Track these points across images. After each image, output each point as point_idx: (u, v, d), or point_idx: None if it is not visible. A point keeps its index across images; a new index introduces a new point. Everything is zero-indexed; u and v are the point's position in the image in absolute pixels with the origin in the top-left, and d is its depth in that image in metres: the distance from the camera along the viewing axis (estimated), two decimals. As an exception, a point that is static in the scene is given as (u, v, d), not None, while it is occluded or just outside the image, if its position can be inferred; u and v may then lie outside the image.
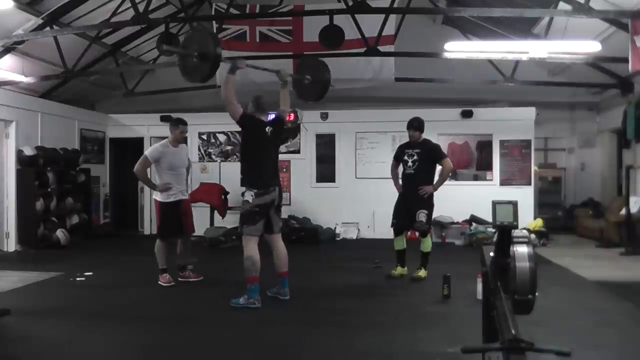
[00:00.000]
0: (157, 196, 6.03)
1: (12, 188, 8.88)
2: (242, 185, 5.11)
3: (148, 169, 6.20)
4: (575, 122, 11.70)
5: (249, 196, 4.99)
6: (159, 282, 5.98)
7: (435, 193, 6.21)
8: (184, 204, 6.15)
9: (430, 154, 6.22)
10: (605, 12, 7.09)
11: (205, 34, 4.97)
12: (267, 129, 5.26)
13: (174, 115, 10.90)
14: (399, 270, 6.28)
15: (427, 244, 6.21)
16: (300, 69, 5.64)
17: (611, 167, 11.09)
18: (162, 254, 6.00)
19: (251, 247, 4.98)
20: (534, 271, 1.92)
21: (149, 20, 7.75)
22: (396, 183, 6.45)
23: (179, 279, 6.13)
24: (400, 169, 6.40)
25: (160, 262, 6.01)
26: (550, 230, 9.69)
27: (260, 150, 5.14)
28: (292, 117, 10.77)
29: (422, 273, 6.15)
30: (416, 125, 6.22)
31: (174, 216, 5.99)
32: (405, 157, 6.25)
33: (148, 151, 6.09)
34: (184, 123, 6.13)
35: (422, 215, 6.09)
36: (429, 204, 6.16)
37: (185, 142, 6.38)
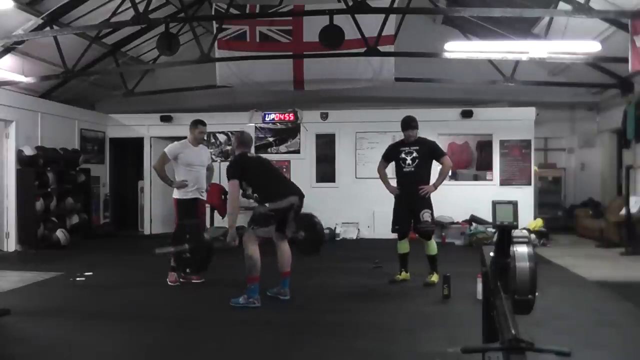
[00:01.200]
0: (175, 194, 6.07)
1: (12, 188, 8.88)
2: (257, 202, 5.16)
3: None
4: (575, 122, 11.71)
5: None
6: (167, 280, 5.98)
7: (436, 192, 6.04)
8: (201, 204, 6.18)
9: (430, 152, 6.05)
10: (605, 12, 7.09)
11: (193, 228, 5.30)
12: (250, 155, 5.44)
13: (174, 115, 11.03)
14: (404, 275, 6.12)
15: (432, 247, 6.01)
16: (294, 225, 5.83)
17: (611, 167, 11.08)
18: None
19: (253, 248, 4.99)
20: (534, 271, 1.92)
21: (149, 20, 7.75)
22: (388, 184, 6.20)
23: (181, 280, 6.12)
24: (389, 168, 6.20)
25: (172, 260, 5.96)
26: (550, 230, 9.69)
27: (265, 175, 5.25)
28: (292, 117, 10.80)
29: (435, 278, 5.91)
30: (414, 124, 6.05)
31: (190, 213, 5.99)
32: (403, 155, 6.05)
33: (167, 148, 6.15)
34: (203, 123, 6.19)
35: (426, 215, 5.91)
36: (430, 203, 5.99)
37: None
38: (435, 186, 5.98)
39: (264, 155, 10.54)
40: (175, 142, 6.20)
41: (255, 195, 5.15)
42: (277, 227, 5.15)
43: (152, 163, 6.16)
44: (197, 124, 6.15)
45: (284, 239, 5.28)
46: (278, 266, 5.23)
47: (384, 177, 6.26)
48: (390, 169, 6.27)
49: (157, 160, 6.27)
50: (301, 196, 5.19)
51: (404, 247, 6.12)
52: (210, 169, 6.41)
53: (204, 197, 6.27)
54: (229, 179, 5.05)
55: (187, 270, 5.56)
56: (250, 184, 5.14)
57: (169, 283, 5.96)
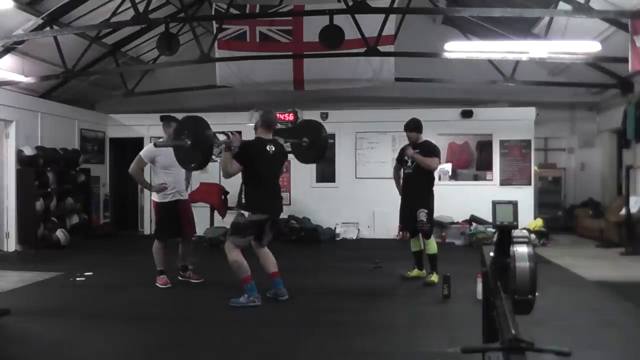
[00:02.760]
0: (154, 197, 5.98)
1: (12, 188, 8.87)
2: (239, 207, 5.10)
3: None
4: (575, 122, 11.70)
5: (246, 212, 5.04)
6: (156, 284, 5.90)
7: (435, 192, 6.19)
8: (183, 205, 6.03)
9: (426, 154, 6.12)
10: (605, 12, 7.09)
11: (197, 121, 4.95)
12: (268, 148, 5.12)
13: (175, 115, 10.99)
14: (415, 272, 6.19)
15: (431, 246, 6.07)
16: (298, 132, 5.75)
17: (611, 167, 11.08)
18: (160, 255, 5.92)
19: (234, 253, 5.00)
20: (534, 271, 1.92)
21: (149, 20, 7.75)
22: (397, 185, 6.41)
23: (179, 278, 6.11)
24: (402, 170, 6.36)
25: (157, 263, 5.93)
26: (550, 230, 9.69)
27: (262, 173, 5.08)
28: (292, 117, 10.79)
29: (435, 278, 5.94)
30: (412, 126, 6.20)
31: (171, 217, 5.90)
32: (405, 158, 6.22)
33: (143, 151, 5.99)
34: (177, 120, 5.87)
35: (422, 214, 6.00)
36: (428, 203, 6.08)
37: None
38: (416, 157, 6.03)
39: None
40: (151, 144, 5.97)
41: (242, 196, 5.11)
42: (255, 237, 5.13)
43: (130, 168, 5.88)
44: (170, 121, 5.90)
45: (262, 247, 5.23)
46: (265, 270, 5.21)
47: (395, 179, 6.45)
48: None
49: (133, 163, 5.92)
50: (280, 212, 5.30)
51: (414, 245, 6.27)
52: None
53: (185, 196, 6.10)
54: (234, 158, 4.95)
55: (192, 165, 5.10)
56: (246, 175, 5.06)
57: (159, 286, 5.86)
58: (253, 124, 5.30)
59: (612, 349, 3.87)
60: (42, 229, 8.98)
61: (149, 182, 6.17)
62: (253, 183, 5.07)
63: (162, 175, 5.87)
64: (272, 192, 5.23)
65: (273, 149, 5.14)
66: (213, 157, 11.03)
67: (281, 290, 5.20)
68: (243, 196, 5.13)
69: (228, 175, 5.01)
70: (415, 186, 6.10)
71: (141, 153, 5.96)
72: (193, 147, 4.75)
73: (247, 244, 5.11)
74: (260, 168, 5.06)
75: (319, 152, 5.95)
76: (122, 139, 11.55)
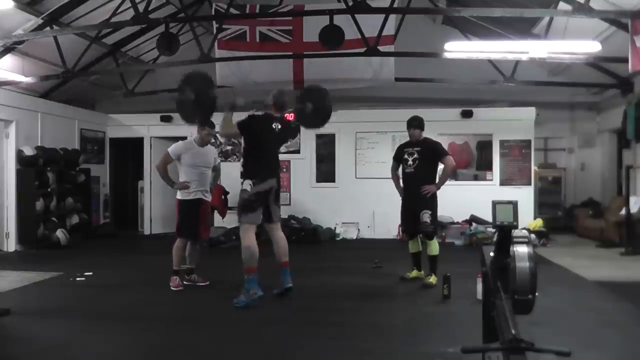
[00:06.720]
0: (178, 194, 5.93)
1: (12, 188, 8.89)
2: (241, 177, 5.19)
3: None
4: (575, 122, 11.71)
5: (247, 185, 5.08)
6: (170, 285, 5.77)
7: (438, 193, 6.05)
8: (204, 205, 6.01)
9: (431, 152, 6.02)
10: (605, 12, 7.10)
11: (202, 77, 5.18)
12: (274, 125, 5.29)
13: (174, 115, 11.00)
14: (414, 273, 6.15)
15: (433, 247, 5.99)
16: (301, 98, 5.78)
17: (611, 167, 11.09)
18: (180, 254, 5.84)
19: (249, 237, 5.01)
20: (534, 271, 1.92)
21: (149, 20, 7.76)
22: (397, 186, 6.25)
23: (184, 282, 6.01)
24: (401, 169, 6.22)
25: (175, 263, 5.82)
26: (550, 230, 9.68)
27: (264, 147, 5.23)
28: (292, 117, 10.79)
29: (433, 279, 5.87)
30: (415, 123, 6.10)
31: (194, 214, 5.85)
32: (405, 156, 6.09)
33: (170, 148, 5.97)
34: (211, 125, 5.95)
35: (425, 216, 5.90)
36: (432, 204, 5.96)
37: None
38: (438, 186, 6.00)
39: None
40: (180, 142, 6.03)
41: (241, 166, 5.22)
42: (264, 217, 5.18)
43: (154, 163, 5.93)
44: (205, 124, 5.92)
45: (275, 224, 5.28)
46: (276, 258, 5.23)
47: (395, 179, 6.31)
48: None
49: (159, 160, 6.00)
50: (278, 179, 5.31)
51: (413, 246, 6.21)
52: (216, 170, 6.26)
53: (208, 198, 6.08)
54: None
55: (196, 120, 5.28)
56: (248, 146, 5.23)
57: (172, 288, 5.78)
58: (267, 102, 5.45)
59: (612, 349, 3.86)
60: (42, 229, 8.99)
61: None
62: (254, 155, 5.19)
63: (188, 173, 5.85)
64: (273, 164, 5.36)
65: (279, 126, 5.32)
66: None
67: (287, 279, 5.22)
68: (243, 166, 5.23)
69: (226, 135, 5.09)
70: (419, 186, 5.94)
71: (169, 149, 5.96)
72: (196, 101, 4.85)
73: (259, 220, 5.15)
74: (264, 143, 5.22)
75: (322, 117, 6.01)
76: (122, 139, 11.57)
